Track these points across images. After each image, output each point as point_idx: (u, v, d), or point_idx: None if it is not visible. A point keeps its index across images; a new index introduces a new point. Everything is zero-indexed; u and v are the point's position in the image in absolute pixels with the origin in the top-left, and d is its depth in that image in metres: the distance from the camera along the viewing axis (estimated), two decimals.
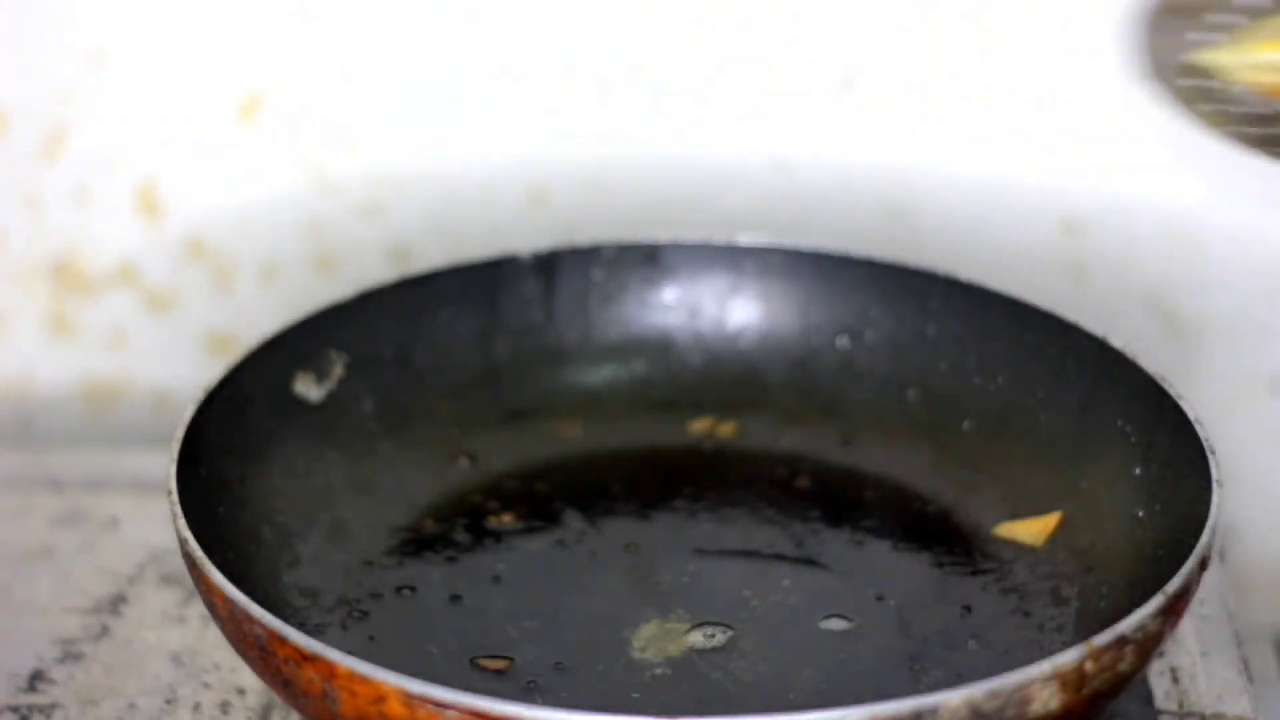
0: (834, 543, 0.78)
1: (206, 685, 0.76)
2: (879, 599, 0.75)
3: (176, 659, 0.77)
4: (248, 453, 0.77)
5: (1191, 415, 0.72)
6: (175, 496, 0.70)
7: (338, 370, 0.82)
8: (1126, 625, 0.63)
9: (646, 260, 0.87)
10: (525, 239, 0.91)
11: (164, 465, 0.72)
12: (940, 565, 0.75)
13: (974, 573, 0.75)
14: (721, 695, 0.70)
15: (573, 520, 0.79)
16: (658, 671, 0.71)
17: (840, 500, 0.80)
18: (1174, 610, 0.64)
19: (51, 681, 0.76)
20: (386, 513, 0.79)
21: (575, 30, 0.94)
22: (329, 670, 0.62)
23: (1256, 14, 0.85)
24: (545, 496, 0.81)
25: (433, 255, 0.96)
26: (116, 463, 0.91)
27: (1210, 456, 0.70)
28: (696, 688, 0.71)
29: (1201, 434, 0.71)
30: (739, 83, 0.95)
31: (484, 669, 0.70)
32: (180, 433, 0.73)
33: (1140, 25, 0.88)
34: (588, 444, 0.84)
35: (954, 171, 0.94)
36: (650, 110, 0.95)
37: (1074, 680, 0.62)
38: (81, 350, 1.00)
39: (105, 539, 0.85)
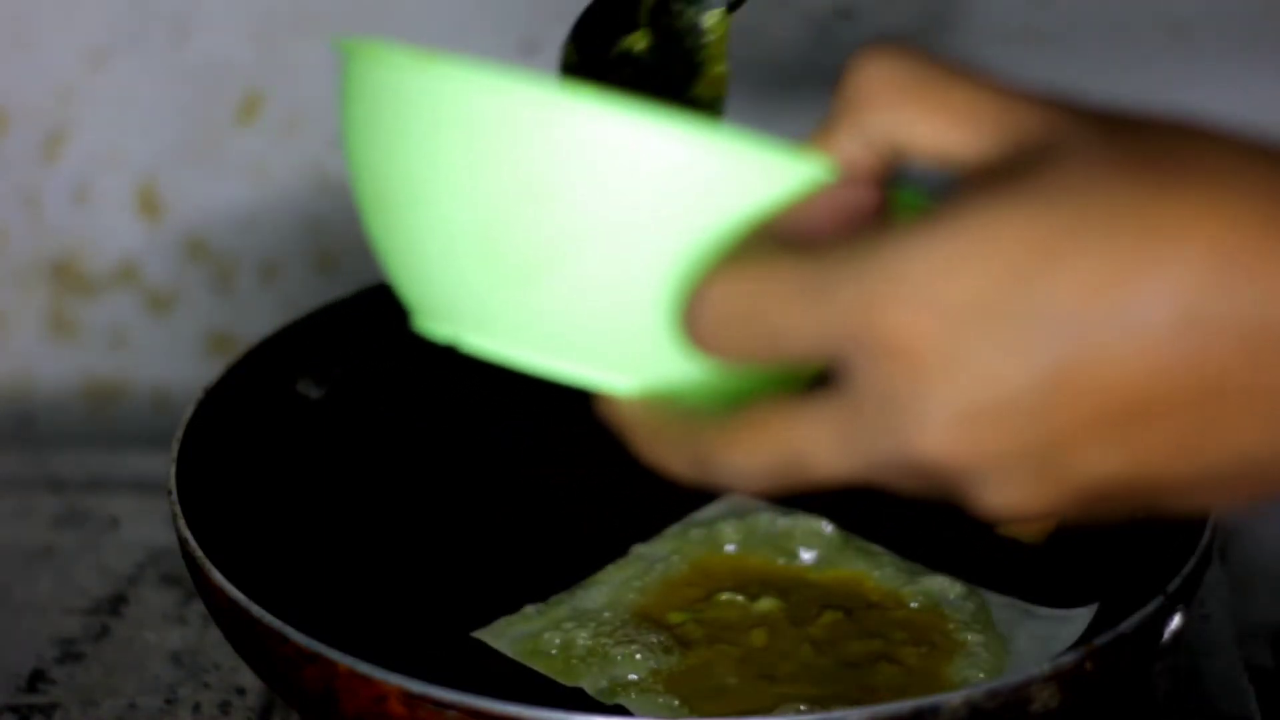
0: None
1: (206, 685, 0.76)
2: None
3: (176, 659, 0.77)
4: (248, 453, 0.77)
5: None
6: (175, 496, 0.70)
7: (337, 370, 0.82)
8: (1127, 625, 0.63)
9: None
10: None
11: (164, 465, 0.72)
12: (941, 565, 0.75)
13: (974, 573, 0.75)
14: None
15: (573, 517, 0.79)
16: None
17: (840, 500, 0.80)
18: (1173, 610, 0.64)
19: (51, 681, 0.76)
20: (387, 512, 0.79)
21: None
22: (329, 670, 0.62)
23: None
24: (548, 493, 0.81)
25: None
26: (116, 463, 0.91)
27: None
28: None
29: None
30: (739, 81, 0.95)
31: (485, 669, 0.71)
32: (180, 433, 0.73)
33: None
34: (588, 441, 0.84)
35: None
36: None
37: (1074, 680, 0.61)
38: (81, 350, 1.00)
39: (105, 539, 0.85)
